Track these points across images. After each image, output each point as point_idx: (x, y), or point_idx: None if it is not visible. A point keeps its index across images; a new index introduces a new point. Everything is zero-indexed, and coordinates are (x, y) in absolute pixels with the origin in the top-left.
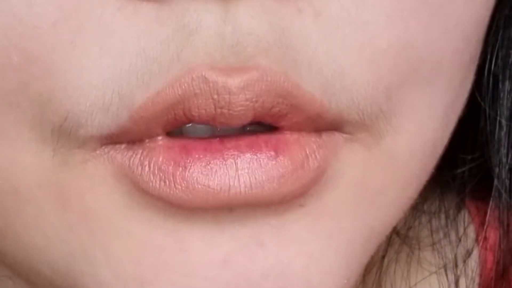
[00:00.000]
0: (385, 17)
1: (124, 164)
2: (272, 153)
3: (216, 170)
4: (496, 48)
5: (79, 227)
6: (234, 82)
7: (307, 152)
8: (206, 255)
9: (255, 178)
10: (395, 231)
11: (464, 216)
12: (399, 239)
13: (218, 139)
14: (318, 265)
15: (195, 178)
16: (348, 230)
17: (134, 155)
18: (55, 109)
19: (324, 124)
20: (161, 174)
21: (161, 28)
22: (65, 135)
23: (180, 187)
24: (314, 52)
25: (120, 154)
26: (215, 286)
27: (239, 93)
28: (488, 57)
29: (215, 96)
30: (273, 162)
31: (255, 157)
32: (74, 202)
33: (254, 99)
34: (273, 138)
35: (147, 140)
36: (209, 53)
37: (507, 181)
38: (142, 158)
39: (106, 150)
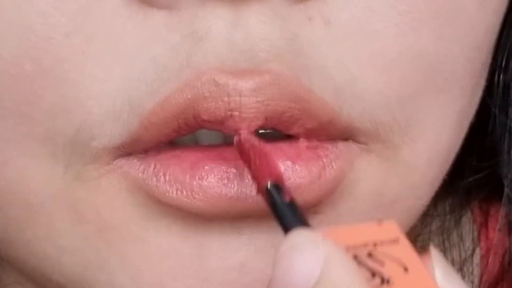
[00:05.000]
0: (395, 26)
1: (138, 177)
2: (289, 163)
3: (233, 179)
4: (506, 54)
5: (95, 237)
6: (246, 84)
7: (324, 162)
8: (223, 260)
9: None
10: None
11: (467, 217)
12: None
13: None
14: None
15: (212, 188)
16: None
17: (147, 168)
18: (68, 120)
19: (337, 132)
20: (177, 184)
21: (170, 35)
22: (78, 149)
23: (198, 196)
24: (325, 59)
25: (133, 169)
26: None
27: (250, 95)
28: (499, 63)
29: (225, 98)
30: (290, 172)
31: None
32: (89, 215)
33: (266, 102)
34: (291, 147)
35: (160, 152)
36: (219, 58)
37: None
38: (156, 170)
39: (119, 164)
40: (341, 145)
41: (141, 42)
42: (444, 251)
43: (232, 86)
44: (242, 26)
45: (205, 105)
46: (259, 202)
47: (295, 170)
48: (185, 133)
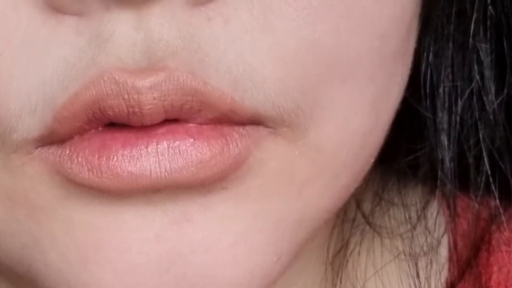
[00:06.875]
0: (291, 21)
1: (56, 161)
2: (191, 140)
3: (137, 158)
4: (427, 43)
5: (27, 219)
6: (143, 82)
7: (228, 140)
8: (139, 231)
9: (175, 164)
10: (366, 221)
11: (434, 206)
12: (371, 230)
13: (136, 129)
14: (245, 242)
15: (118, 166)
16: (274, 212)
17: (63, 152)
18: None
19: (243, 120)
20: (88, 165)
21: (79, 38)
22: (1, 141)
23: (106, 175)
24: (223, 53)
25: (52, 154)
26: (148, 260)
27: (147, 93)
28: (425, 53)
29: (126, 96)
30: (191, 149)
31: (175, 144)
32: (19, 199)
33: (162, 98)
34: (194, 127)
35: (75, 137)
36: (120, 58)
37: (450, 173)
38: (70, 153)
39: (40, 152)
40: (248, 127)
41: (54, 44)
42: (411, 241)
43: (130, 85)
44: (143, 29)
45: (108, 102)
46: (163, 178)
47: (196, 146)
48: (96, 126)
